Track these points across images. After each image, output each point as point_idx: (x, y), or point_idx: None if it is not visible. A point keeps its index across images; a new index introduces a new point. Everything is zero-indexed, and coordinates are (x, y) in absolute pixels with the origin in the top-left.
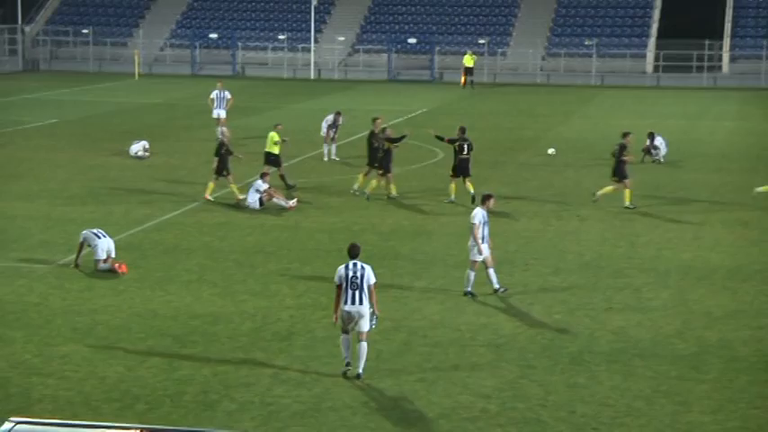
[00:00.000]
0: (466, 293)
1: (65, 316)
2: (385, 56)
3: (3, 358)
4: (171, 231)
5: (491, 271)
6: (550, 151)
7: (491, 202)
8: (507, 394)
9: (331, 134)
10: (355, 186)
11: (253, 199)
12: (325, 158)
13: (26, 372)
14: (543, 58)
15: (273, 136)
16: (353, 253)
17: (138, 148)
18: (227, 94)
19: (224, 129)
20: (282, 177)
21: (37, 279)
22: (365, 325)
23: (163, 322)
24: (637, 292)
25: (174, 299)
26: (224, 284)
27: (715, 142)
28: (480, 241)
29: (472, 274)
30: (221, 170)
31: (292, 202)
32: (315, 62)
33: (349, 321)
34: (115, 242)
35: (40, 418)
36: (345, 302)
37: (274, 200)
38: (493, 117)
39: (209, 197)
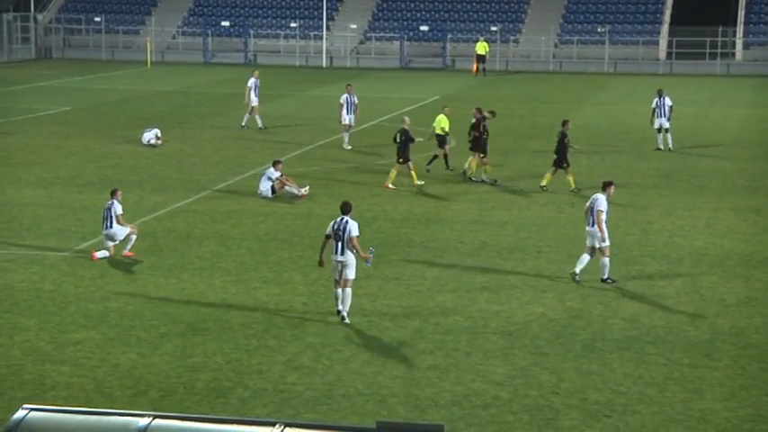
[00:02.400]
0: (604, 280)
1: (78, 303)
2: (397, 43)
3: (16, 345)
4: (184, 219)
5: (606, 260)
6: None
7: (611, 189)
8: (520, 381)
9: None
10: (465, 167)
11: (265, 187)
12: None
13: (39, 359)
14: (556, 46)
15: (442, 119)
16: (343, 209)
17: (150, 136)
18: (254, 82)
19: (406, 117)
20: (446, 158)
21: (50, 266)
22: (349, 273)
23: (176, 309)
24: (649, 279)
25: (187, 286)
26: (237, 272)
27: (728, 129)
28: (605, 228)
29: (587, 258)
30: (402, 157)
31: (304, 190)
32: (327, 50)
33: (336, 270)
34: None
35: (54, 405)
36: (333, 252)
37: (286, 188)
38: (505, 104)
39: (391, 186)
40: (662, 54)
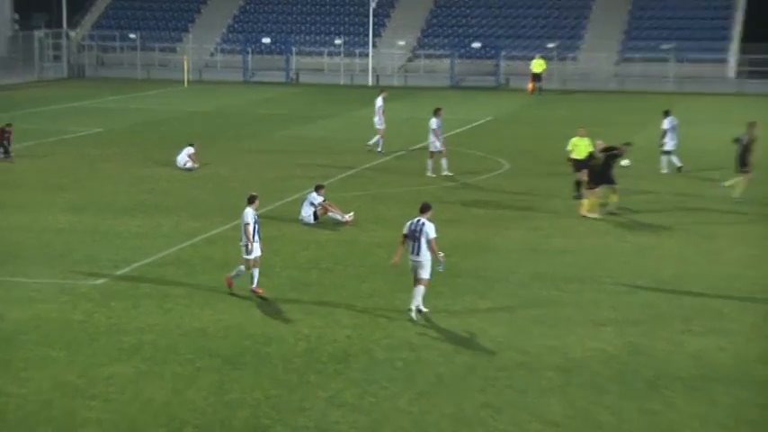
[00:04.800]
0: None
1: (110, 335)
2: (447, 61)
3: (45, 379)
4: (221, 246)
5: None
6: (624, 163)
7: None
8: (577, 422)
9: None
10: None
11: (307, 213)
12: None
13: (69, 393)
14: (617, 63)
15: (581, 141)
16: (421, 210)
17: (184, 158)
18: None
19: (754, 122)
20: (579, 185)
21: (81, 296)
22: (424, 273)
23: (212, 342)
24: (717, 313)
25: (225, 317)
26: (277, 302)
27: None
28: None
29: None
30: (743, 165)
31: (349, 216)
32: (373, 68)
33: (414, 269)
34: (163, 257)
35: None
36: (410, 252)
37: (330, 214)
38: (563, 126)
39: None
40: (731, 72)
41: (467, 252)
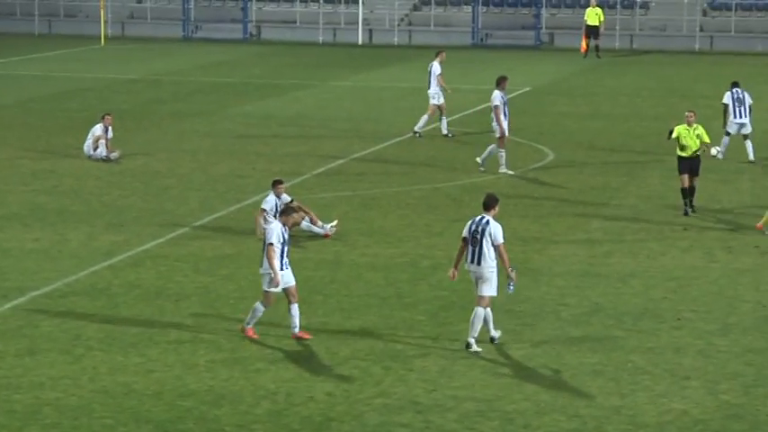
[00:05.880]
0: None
1: None
2: (468, 9)
3: None
4: (153, 268)
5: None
6: (714, 152)
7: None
8: None
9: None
10: None
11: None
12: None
13: None
14: (704, 13)
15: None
16: (486, 205)
17: (94, 143)
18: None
19: None
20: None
21: None
22: (486, 289)
23: (140, 402)
24: None
25: (158, 367)
26: (231, 347)
27: None
28: None
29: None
30: None
31: (330, 227)
32: (364, 19)
33: (475, 282)
34: (71, 284)
35: None
36: (466, 259)
37: (304, 224)
38: (629, 100)
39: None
40: None
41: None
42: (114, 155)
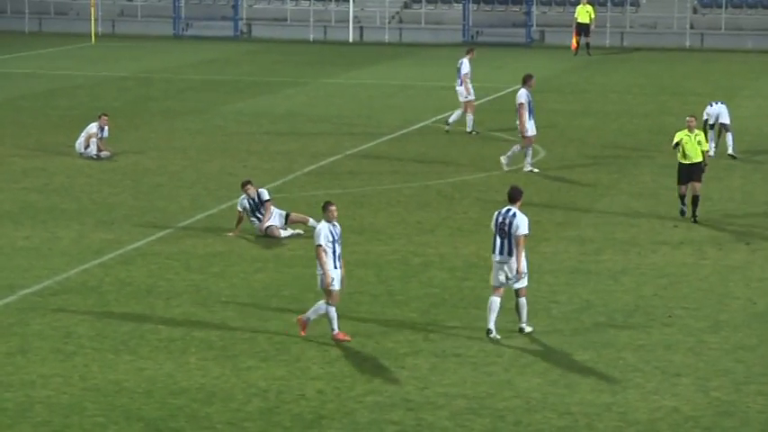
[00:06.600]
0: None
1: None
2: (459, 7)
3: None
4: (143, 266)
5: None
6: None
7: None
8: None
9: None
10: None
11: (280, 222)
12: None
13: None
14: (695, 10)
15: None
16: (511, 197)
17: (86, 141)
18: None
19: None
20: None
21: None
22: (519, 281)
23: (131, 400)
24: None
25: (149, 365)
26: (221, 345)
27: None
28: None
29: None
30: None
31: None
32: (355, 16)
33: (497, 273)
34: (62, 282)
35: None
36: (494, 251)
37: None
38: (619, 97)
39: None
40: None
41: (487, 274)
42: (105, 153)
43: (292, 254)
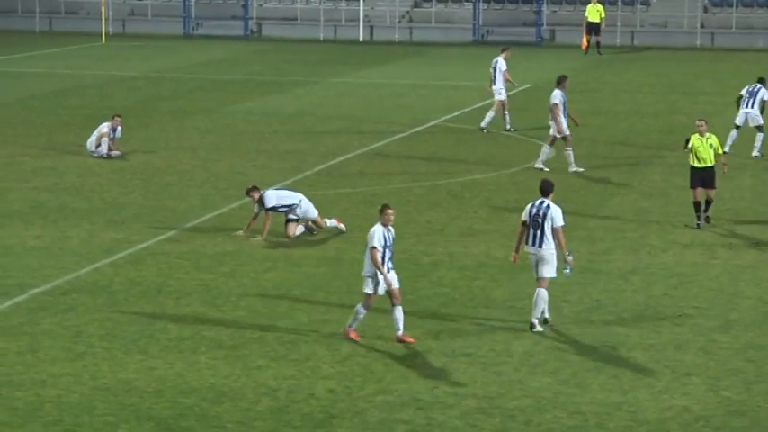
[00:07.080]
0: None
1: None
2: (469, 6)
3: None
4: (154, 266)
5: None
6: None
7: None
8: None
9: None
10: None
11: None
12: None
13: None
14: (705, 9)
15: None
16: (543, 190)
17: (98, 140)
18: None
19: None
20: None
21: None
22: (546, 270)
23: (141, 399)
24: None
25: (158, 365)
26: (231, 344)
27: None
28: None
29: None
30: None
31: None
32: (365, 16)
33: (534, 265)
34: (72, 281)
35: None
36: (526, 242)
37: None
38: (630, 96)
39: None
40: None
41: (497, 274)
42: (116, 153)
43: (302, 253)
